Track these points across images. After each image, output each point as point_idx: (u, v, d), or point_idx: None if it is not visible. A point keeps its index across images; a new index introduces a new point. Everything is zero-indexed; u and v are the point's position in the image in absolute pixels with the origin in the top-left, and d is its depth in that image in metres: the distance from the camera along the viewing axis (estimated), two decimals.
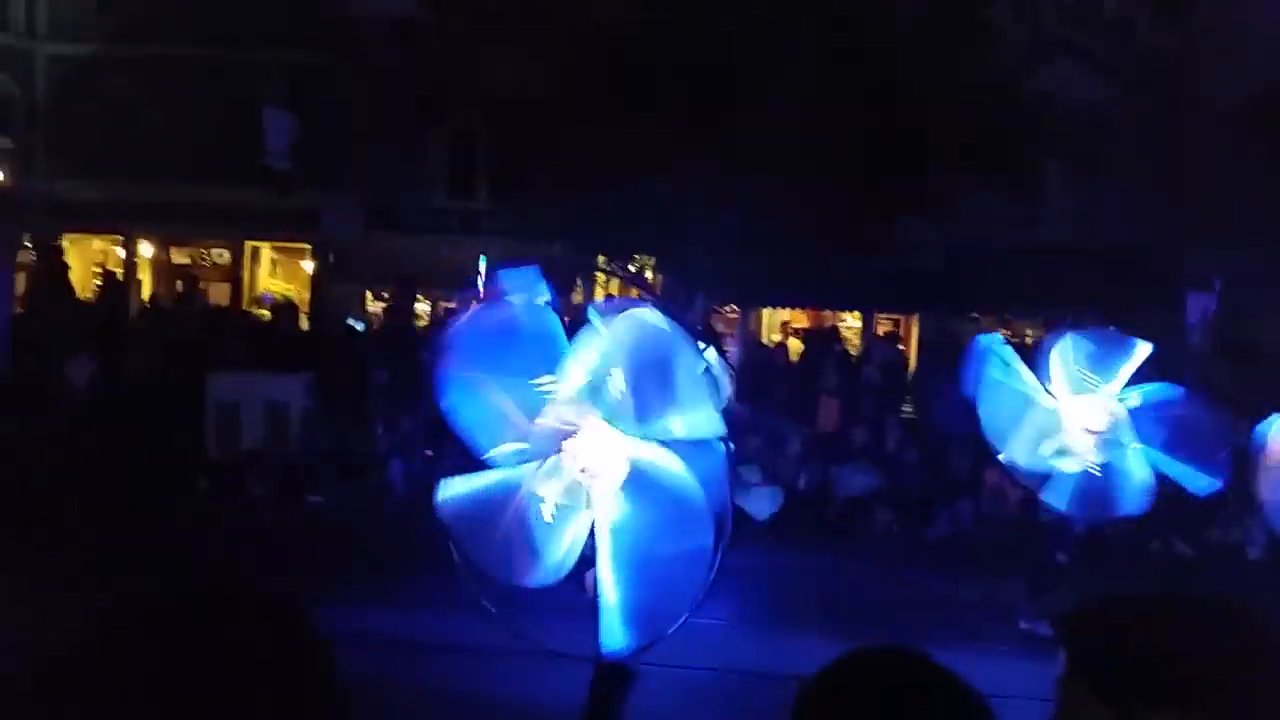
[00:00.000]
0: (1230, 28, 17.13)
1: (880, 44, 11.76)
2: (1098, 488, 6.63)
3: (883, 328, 16.66)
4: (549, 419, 3.34)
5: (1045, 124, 13.95)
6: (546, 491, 3.34)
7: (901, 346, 15.37)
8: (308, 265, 19.91)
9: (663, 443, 3.24)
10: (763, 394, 11.33)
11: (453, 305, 16.30)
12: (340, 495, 10.59)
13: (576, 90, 12.07)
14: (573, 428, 3.33)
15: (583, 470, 3.32)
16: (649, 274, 16.93)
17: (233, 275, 19.82)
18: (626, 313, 3.35)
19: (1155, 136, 17.69)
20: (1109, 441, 6.61)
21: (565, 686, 3.16)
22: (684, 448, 3.24)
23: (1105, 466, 6.56)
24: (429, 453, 10.49)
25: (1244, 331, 13.64)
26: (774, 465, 10.92)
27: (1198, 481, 6.60)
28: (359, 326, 15.49)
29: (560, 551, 3.37)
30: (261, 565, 7.52)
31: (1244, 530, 9.22)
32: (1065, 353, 6.73)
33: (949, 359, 8.66)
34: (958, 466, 10.57)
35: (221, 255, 20.26)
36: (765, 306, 18.72)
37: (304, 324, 15.81)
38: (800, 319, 19.34)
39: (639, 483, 3.23)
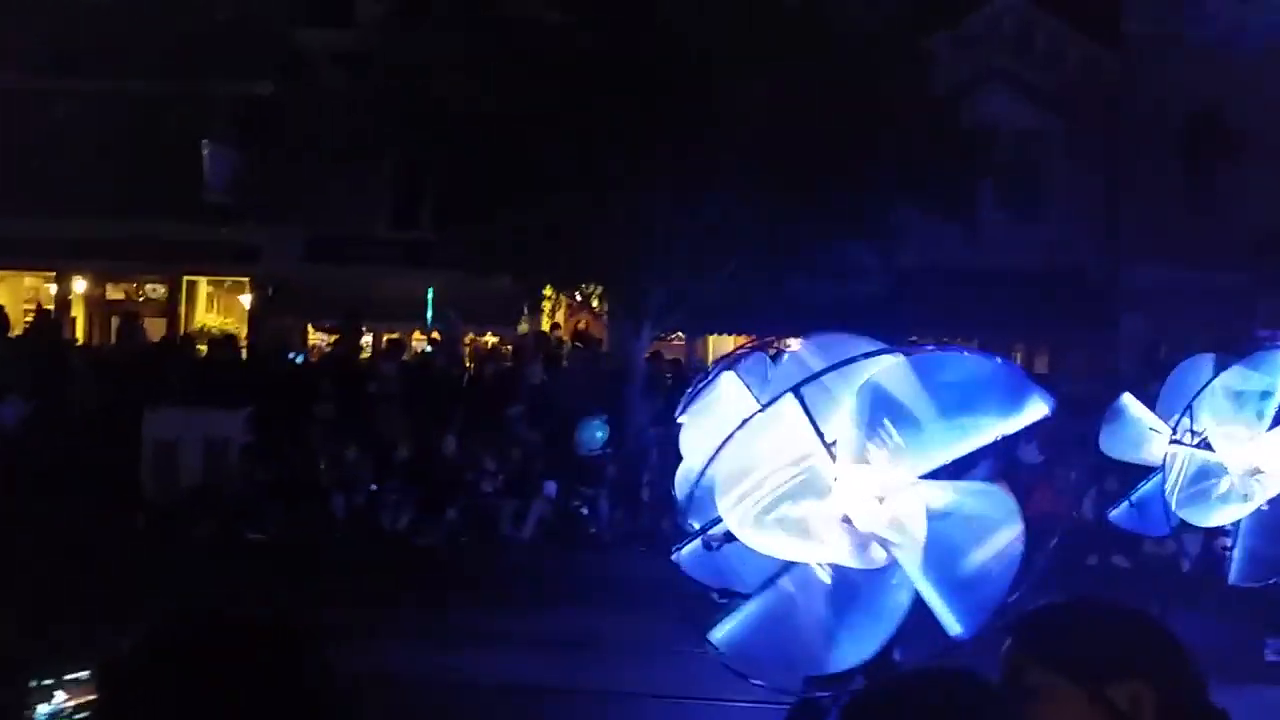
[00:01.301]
0: (1160, 57, 17.67)
1: (826, 73, 11.89)
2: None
3: None
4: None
5: (985, 150, 14.22)
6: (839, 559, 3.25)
7: None
8: (247, 299, 19.56)
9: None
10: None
11: (397, 337, 16.08)
12: (282, 530, 10.34)
13: (523, 120, 12.03)
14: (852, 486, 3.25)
15: (880, 526, 3.28)
16: (596, 303, 16.87)
17: (169, 310, 19.40)
18: (876, 356, 3.34)
19: (1090, 162, 18.13)
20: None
21: None
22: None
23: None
24: (374, 486, 10.30)
25: (1176, 349, 13.90)
26: None
27: None
28: (300, 360, 15.23)
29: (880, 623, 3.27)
30: (203, 603, 7.28)
31: (1178, 544, 9.39)
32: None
33: None
34: None
35: (157, 290, 19.83)
36: (712, 334, 18.75)
37: (243, 358, 15.49)
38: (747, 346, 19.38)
39: (944, 523, 3.21)
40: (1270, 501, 6.61)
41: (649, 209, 11.63)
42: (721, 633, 3.47)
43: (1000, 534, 3.24)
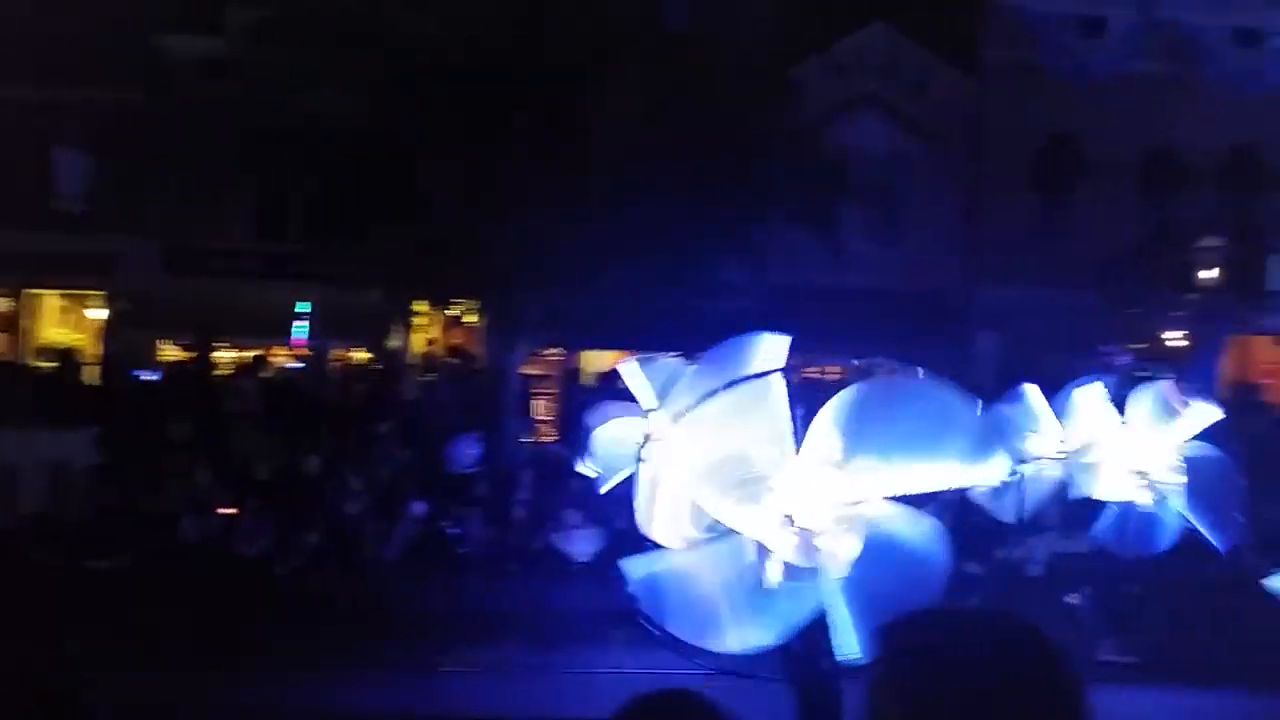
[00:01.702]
0: (1017, 86, 18.55)
1: (700, 93, 12.03)
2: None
3: None
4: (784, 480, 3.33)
5: (852, 173, 14.64)
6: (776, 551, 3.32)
7: None
8: (99, 313, 18.58)
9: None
10: (586, 436, 11.25)
11: (259, 353, 15.50)
12: (130, 558, 9.79)
13: (393, 129, 11.78)
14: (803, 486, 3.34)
15: (815, 529, 3.28)
16: (471, 317, 16.65)
17: (13, 325, 18.26)
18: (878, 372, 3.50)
19: (950, 186, 18.87)
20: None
21: None
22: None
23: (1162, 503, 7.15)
24: (228, 510, 9.87)
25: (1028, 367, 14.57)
26: (597, 507, 10.84)
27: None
28: (152, 377, 14.52)
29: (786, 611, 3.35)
30: (44, 636, 6.84)
31: (1026, 549, 9.79)
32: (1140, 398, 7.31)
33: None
34: None
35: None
36: (590, 349, 18.74)
37: (91, 375, 14.69)
38: (628, 363, 19.43)
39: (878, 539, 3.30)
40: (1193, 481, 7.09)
41: (524, 224, 11.52)
42: (639, 573, 3.47)
43: (925, 570, 3.29)
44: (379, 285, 14.26)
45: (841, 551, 3.30)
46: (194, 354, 14.64)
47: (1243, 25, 18.55)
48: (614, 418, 7.46)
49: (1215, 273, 16.65)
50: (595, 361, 19.32)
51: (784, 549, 3.33)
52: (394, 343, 17.07)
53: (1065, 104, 18.33)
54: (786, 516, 3.35)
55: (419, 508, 10.77)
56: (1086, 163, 18.72)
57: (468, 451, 11.48)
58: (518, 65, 11.54)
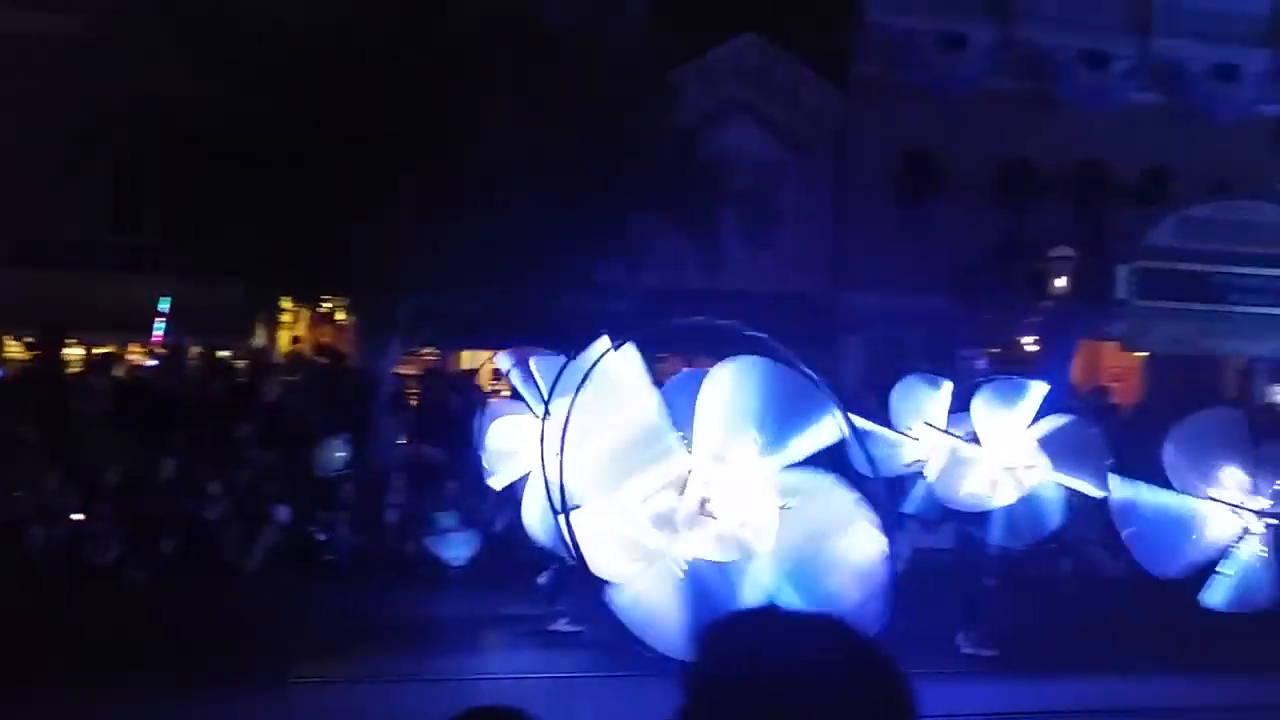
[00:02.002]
0: (882, 98, 19.17)
1: (574, 93, 11.99)
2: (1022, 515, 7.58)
3: None
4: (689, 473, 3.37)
5: (726, 178, 14.85)
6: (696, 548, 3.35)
7: None
8: None
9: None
10: (461, 436, 11.06)
11: (110, 350, 14.71)
12: None
13: (259, 117, 11.34)
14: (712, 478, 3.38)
15: (736, 518, 3.21)
16: (340, 315, 16.19)
17: None
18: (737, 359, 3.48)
19: (820, 193, 19.37)
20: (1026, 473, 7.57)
21: None
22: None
23: (1025, 496, 7.51)
24: (79, 516, 9.32)
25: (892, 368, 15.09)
26: (472, 509, 10.70)
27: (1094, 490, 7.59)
28: None
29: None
30: None
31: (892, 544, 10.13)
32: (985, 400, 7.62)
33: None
34: None
35: None
36: (466, 349, 18.48)
37: None
38: (504, 362, 19.23)
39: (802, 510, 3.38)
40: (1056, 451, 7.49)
41: (394, 220, 11.25)
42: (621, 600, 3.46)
43: (851, 531, 3.34)
44: (241, 280, 13.71)
45: (763, 531, 3.34)
46: (41, 351, 13.78)
47: (1091, 47, 19.65)
48: (503, 417, 7.42)
49: (1066, 281, 17.57)
50: (471, 361, 19.09)
51: (710, 548, 3.35)
52: (258, 340, 16.45)
53: (927, 117, 19.05)
54: (702, 512, 3.37)
55: (283, 512, 10.41)
56: (947, 174, 19.51)
57: (335, 454, 11.16)
58: (388, 57, 11.28)
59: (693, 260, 14.68)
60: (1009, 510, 7.80)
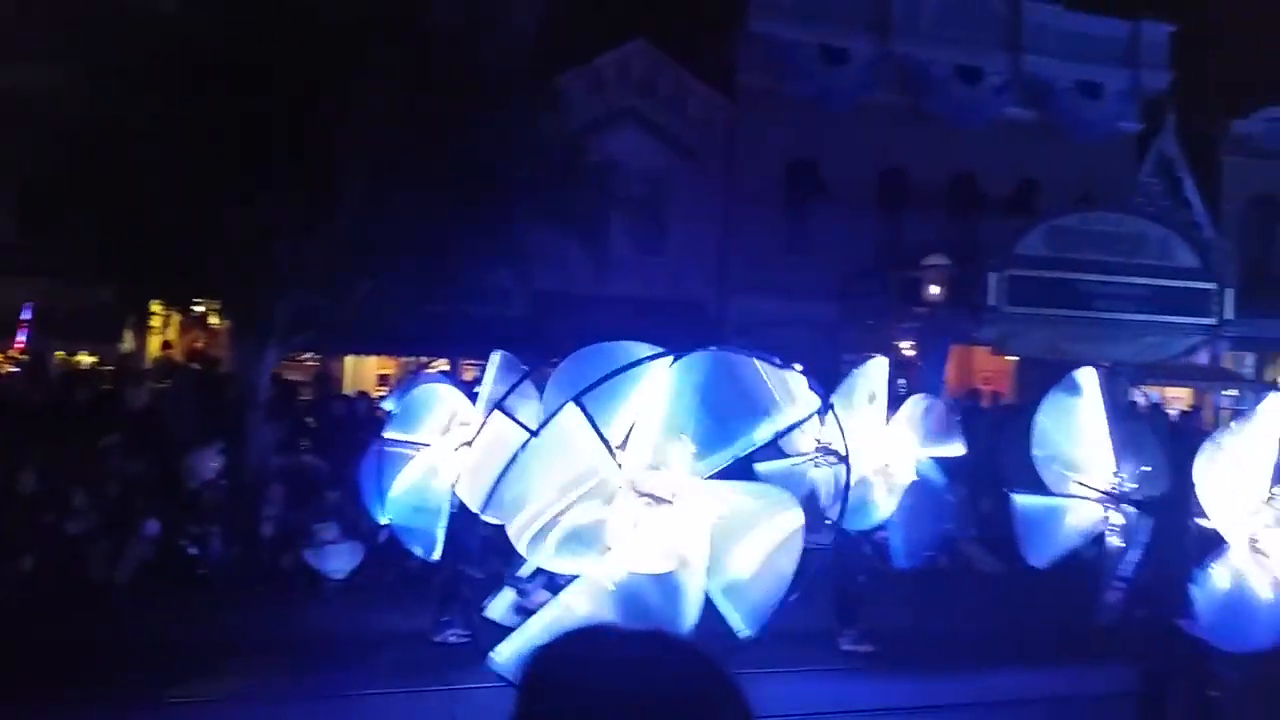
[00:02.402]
0: (767, 108, 19.50)
1: (462, 98, 11.81)
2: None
3: (470, 373, 16.69)
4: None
5: (615, 184, 14.85)
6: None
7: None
8: None
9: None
10: (348, 446, 10.77)
11: None
12: None
13: (127, 113, 10.81)
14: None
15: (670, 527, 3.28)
16: (214, 320, 15.58)
17: None
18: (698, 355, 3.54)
19: (707, 201, 19.59)
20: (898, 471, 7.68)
21: None
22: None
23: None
24: None
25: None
26: (355, 519, 10.41)
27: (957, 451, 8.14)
28: None
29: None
30: None
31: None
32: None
33: None
34: None
35: None
36: (350, 354, 18.02)
37: None
38: (389, 366, 18.86)
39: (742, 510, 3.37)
40: (910, 494, 7.66)
41: (270, 221, 10.86)
42: (505, 653, 3.36)
43: (780, 531, 3.32)
44: (108, 282, 13.04)
45: (696, 540, 3.31)
46: None
47: (965, 63, 20.41)
48: (403, 420, 7.28)
49: (940, 288, 18.16)
50: (356, 368, 18.63)
51: (641, 560, 3.31)
52: (126, 345, 15.71)
53: (811, 128, 19.49)
54: (633, 523, 3.33)
55: (152, 526, 9.94)
56: (830, 183, 19.98)
57: (208, 464, 10.71)
58: (266, 54, 10.90)
59: (582, 266, 14.65)
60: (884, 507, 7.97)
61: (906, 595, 9.62)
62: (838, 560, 8.56)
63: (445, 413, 7.46)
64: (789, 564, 3.43)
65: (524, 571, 3.61)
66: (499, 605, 3.65)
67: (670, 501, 3.37)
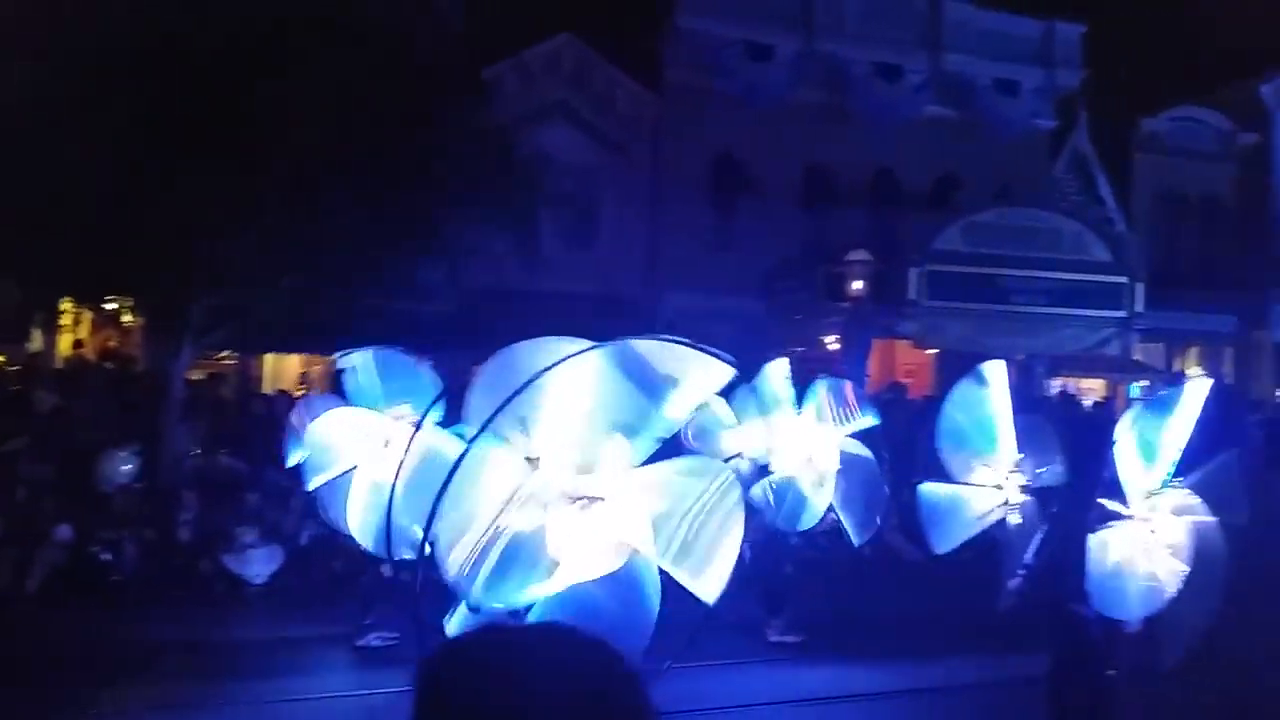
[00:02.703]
0: (694, 105, 19.56)
1: (387, 90, 11.59)
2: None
3: None
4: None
5: (544, 179, 14.74)
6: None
7: None
8: None
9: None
10: (263, 447, 10.51)
11: None
12: None
13: (35, 104, 10.37)
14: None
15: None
16: (126, 317, 15.09)
17: None
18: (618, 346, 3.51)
19: (636, 196, 19.59)
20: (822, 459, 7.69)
21: None
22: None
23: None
24: None
25: None
26: (275, 522, 10.19)
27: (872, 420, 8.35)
28: None
29: None
30: None
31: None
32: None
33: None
34: None
35: None
36: (271, 353, 17.62)
37: None
38: (313, 364, 18.49)
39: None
40: (842, 476, 7.74)
41: (183, 214, 10.53)
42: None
43: (718, 494, 3.32)
44: (15, 279, 12.55)
45: (640, 528, 3.30)
46: None
47: (886, 61, 20.73)
48: (328, 411, 7.14)
49: (862, 283, 18.45)
50: (278, 366, 18.22)
51: (592, 564, 3.27)
52: (35, 345, 15.13)
53: (738, 124, 19.61)
54: (576, 529, 3.29)
55: (63, 532, 9.59)
56: (755, 180, 20.14)
57: (121, 466, 10.37)
58: (183, 45, 10.57)
59: (513, 261, 14.53)
60: (804, 500, 8.04)
61: (833, 586, 9.75)
62: (765, 551, 8.63)
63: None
64: (735, 525, 3.46)
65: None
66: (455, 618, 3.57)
67: (604, 499, 3.35)
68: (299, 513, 10.02)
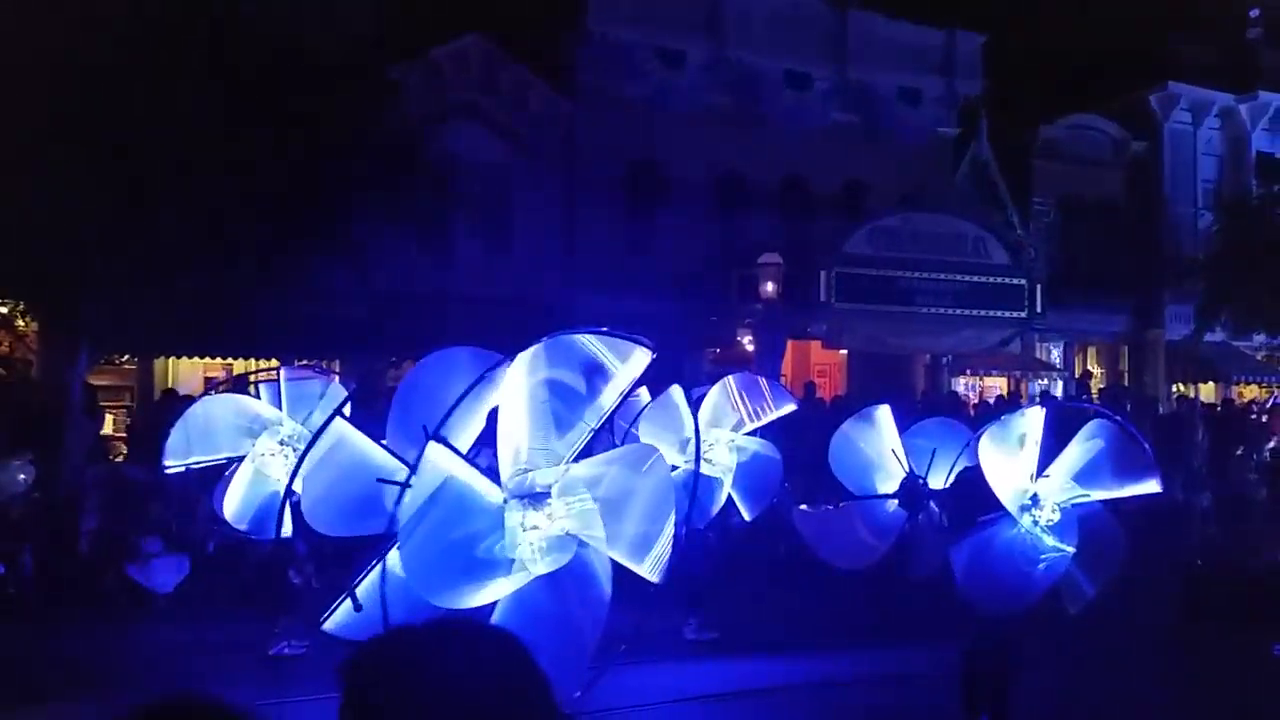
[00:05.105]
0: (607, 108, 19.61)
1: (294, 93, 11.37)
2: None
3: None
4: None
5: (454, 180, 14.63)
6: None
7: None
8: None
9: None
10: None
11: None
12: None
13: None
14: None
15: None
16: (20, 322, 14.50)
17: None
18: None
19: (550, 198, 19.55)
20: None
21: None
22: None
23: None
24: None
25: None
26: (182, 531, 9.93)
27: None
28: None
29: None
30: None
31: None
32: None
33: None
34: None
35: None
36: (171, 356, 17.10)
37: None
38: (216, 369, 17.99)
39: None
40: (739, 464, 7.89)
41: (78, 214, 10.18)
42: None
43: (653, 479, 3.38)
44: None
45: (585, 519, 3.38)
46: None
47: (795, 69, 21.10)
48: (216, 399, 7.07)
49: (774, 286, 18.74)
50: (181, 371, 17.69)
51: (545, 561, 3.32)
52: None
53: (650, 129, 19.74)
54: (530, 528, 3.35)
55: None
56: (668, 184, 20.29)
57: (16, 475, 9.98)
58: (74, 41, 10.21)
59: (424, 264, 14.40)
60: (712, 495, 8.18)
61: (748, 583, 9.90)
62: (681, 549, 8.72)
63: (245, 420, 7.38)
64: (670, 506, 3.58)
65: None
66: (336, 617, 3.58)
67: (549, 495, 3.42)
68: (205, 520, 9.78)
